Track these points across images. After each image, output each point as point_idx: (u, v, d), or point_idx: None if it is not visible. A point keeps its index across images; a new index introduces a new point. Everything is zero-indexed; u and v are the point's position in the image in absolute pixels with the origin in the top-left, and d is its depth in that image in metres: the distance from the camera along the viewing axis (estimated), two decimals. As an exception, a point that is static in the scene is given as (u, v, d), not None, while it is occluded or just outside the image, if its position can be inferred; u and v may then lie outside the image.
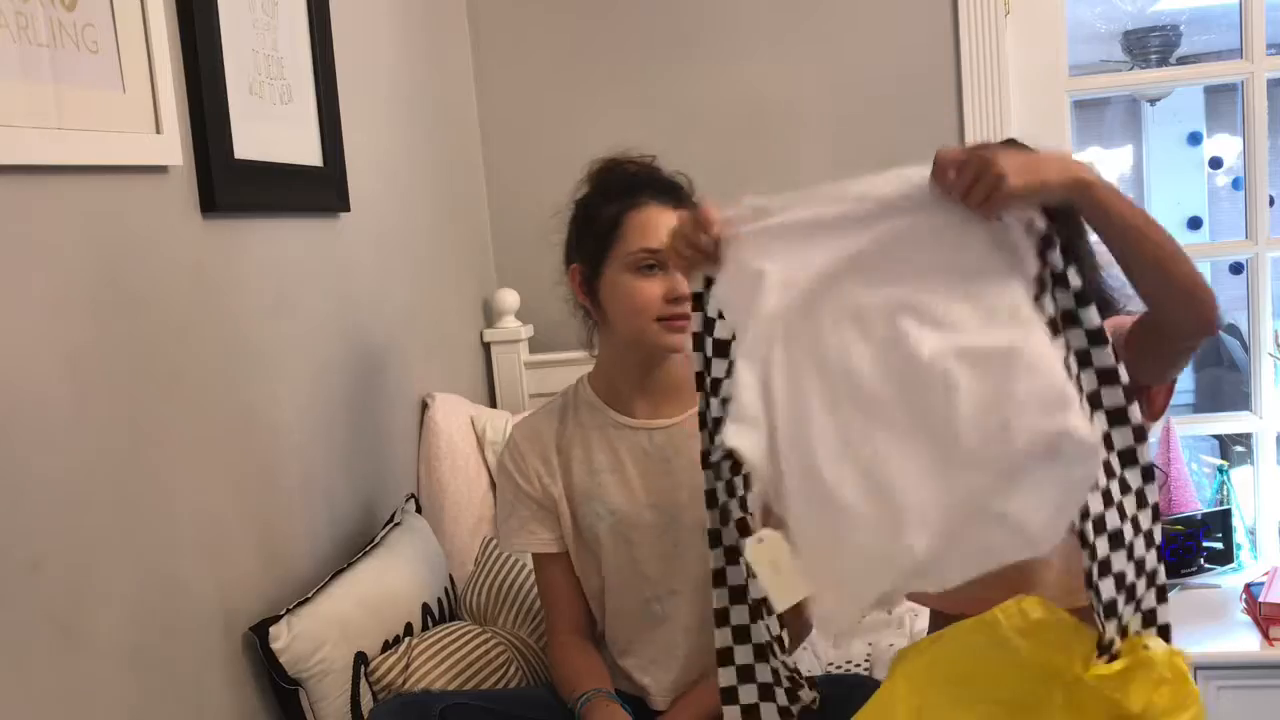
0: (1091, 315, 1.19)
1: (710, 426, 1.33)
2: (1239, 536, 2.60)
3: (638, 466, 1.64)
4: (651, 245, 1.55)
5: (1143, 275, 1.30)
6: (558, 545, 1.68)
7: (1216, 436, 3.56)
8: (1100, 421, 1.18)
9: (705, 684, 1.55)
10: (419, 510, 2.15)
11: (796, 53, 2.62)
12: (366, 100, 2.13)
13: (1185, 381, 5.28)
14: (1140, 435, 1.20)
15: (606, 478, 1.64)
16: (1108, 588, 1.20)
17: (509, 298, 2.64)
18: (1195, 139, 5.63)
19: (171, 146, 1.47)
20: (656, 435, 1.64)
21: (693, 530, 1.57)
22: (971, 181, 1.17)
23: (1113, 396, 1.19)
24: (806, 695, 1.39)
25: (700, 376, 1.33)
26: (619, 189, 1.62)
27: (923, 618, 1.90)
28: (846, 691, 1.46)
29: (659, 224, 1.54)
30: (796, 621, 1.42)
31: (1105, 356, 1.19)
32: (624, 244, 1.58)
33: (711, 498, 1.36)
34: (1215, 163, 5.65)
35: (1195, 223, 5.57)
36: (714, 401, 1.32)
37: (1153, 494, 1.22)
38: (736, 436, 1.16)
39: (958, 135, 2.54)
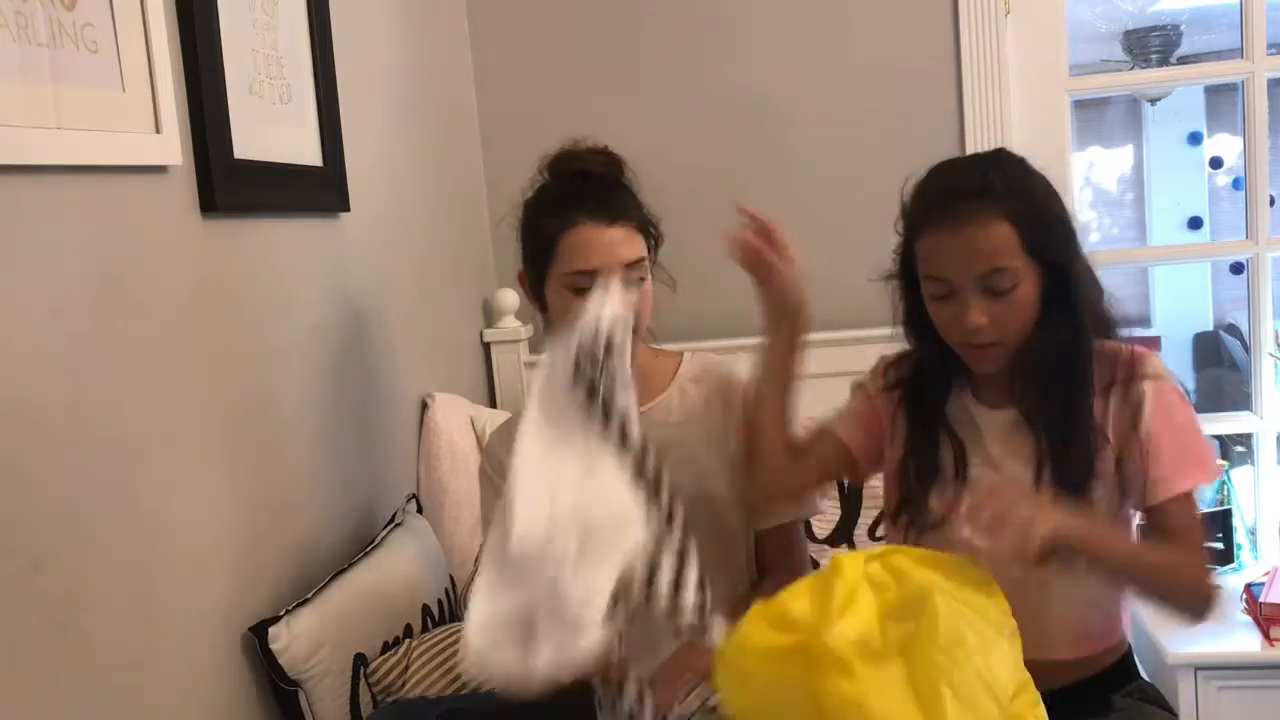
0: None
1: None
2: (1239, 536, 2.59)
3: None
4: (583, 267, 1.52)
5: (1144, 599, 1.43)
6: None
7: (1216, 436, 3.55)
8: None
9: (681, 652, 1.53)
10: (419, 511, 2.15)
11: (796, 53, 2.62)
12: (366, 100, 2.13)
13: (1185, 381, 5.28)
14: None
15: None
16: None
17: (509, 298, 2.64)
18: (1195, 139, 5.63)
19: (171, 146, 1.47)
20: None
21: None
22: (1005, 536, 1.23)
23: None
24: None
25: None
26: (553, 205, 1.58)
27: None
28: None
29: (591, 244, 1.52)
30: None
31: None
32: (559, 264, 1.55)
33: None
34: (1215, 163, 5.65)
35: (1195, 223, 5.58)
36: None
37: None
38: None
39: (958, 135, 2.54)
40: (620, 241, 1.53)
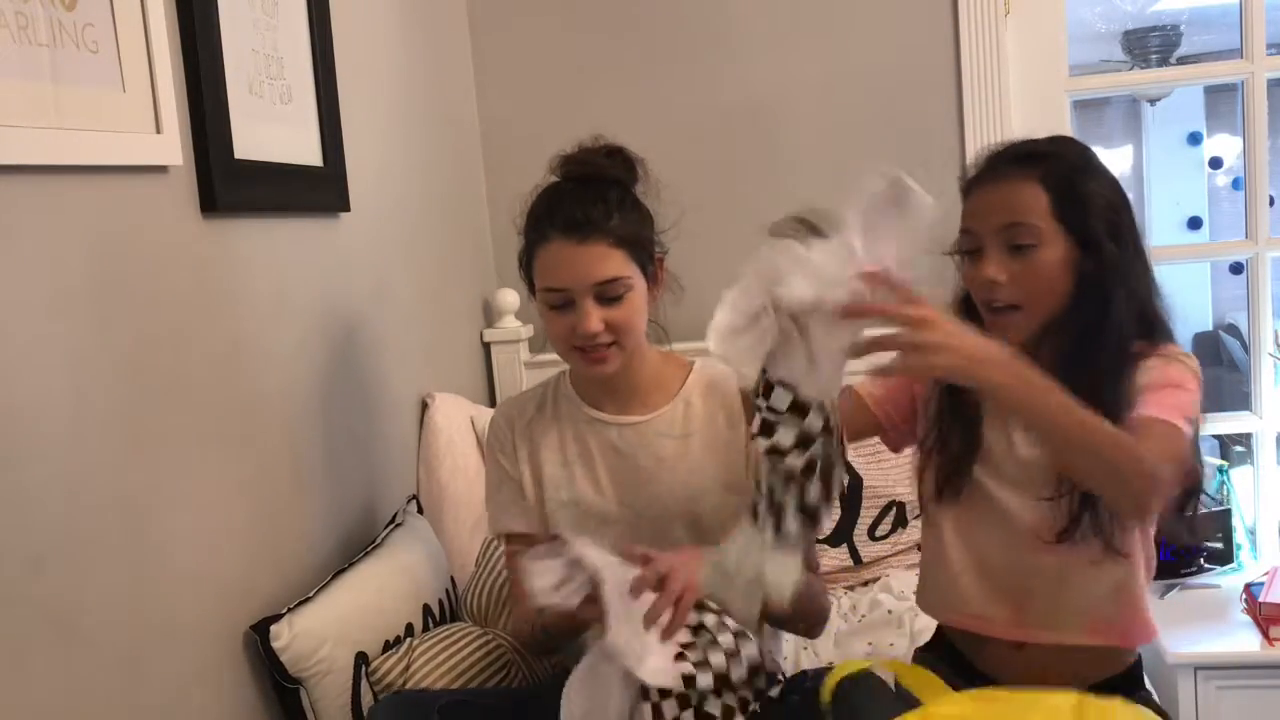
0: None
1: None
2: (1239, 536, 2.60)
3: (606, 461, 1.63)
4: (553, 285, 1.52)
5: (1064, 461, 1.35)
6: (535, 528, 1.66)
7: (1216, 436, 3.55)
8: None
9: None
10: (420, 511, 2.15)
11: (797, 53, 2.62)
12: (366, 100, 2.13)
13: (1185, 381, 5.27)
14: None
15: (576, 469, 1.63)
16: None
17: (509, 298, 2.64)
18: (1195, 139, 5.63)
19: (171, 146, 1.47)
20: (626, 432, 1.63)
21: (656, 526, 1.58)
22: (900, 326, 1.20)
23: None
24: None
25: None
26: (536, 217, 1.56)
27: (923, 618, 1.90)
28: (842, 685, 1.46)
29: (562, 262, 1.50)
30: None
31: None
32: (537, 279, 1.55)
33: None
34: (1215, 163, 5.65)
35: (1195, 223, 5.57)
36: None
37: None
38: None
39: (958, 135, 2.54)
40: (591, 260, 1.50)
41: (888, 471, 2.39)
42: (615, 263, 1.52)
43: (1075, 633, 1.50)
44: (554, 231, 1.51)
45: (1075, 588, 1.49)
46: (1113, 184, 1.47)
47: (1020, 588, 1.52)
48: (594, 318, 1.51)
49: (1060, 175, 1.43)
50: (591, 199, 1.53)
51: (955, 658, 1.61)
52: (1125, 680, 1.55)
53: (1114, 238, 1.44)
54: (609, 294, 1.51)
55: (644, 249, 1.57)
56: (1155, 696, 1.71)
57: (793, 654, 2.05)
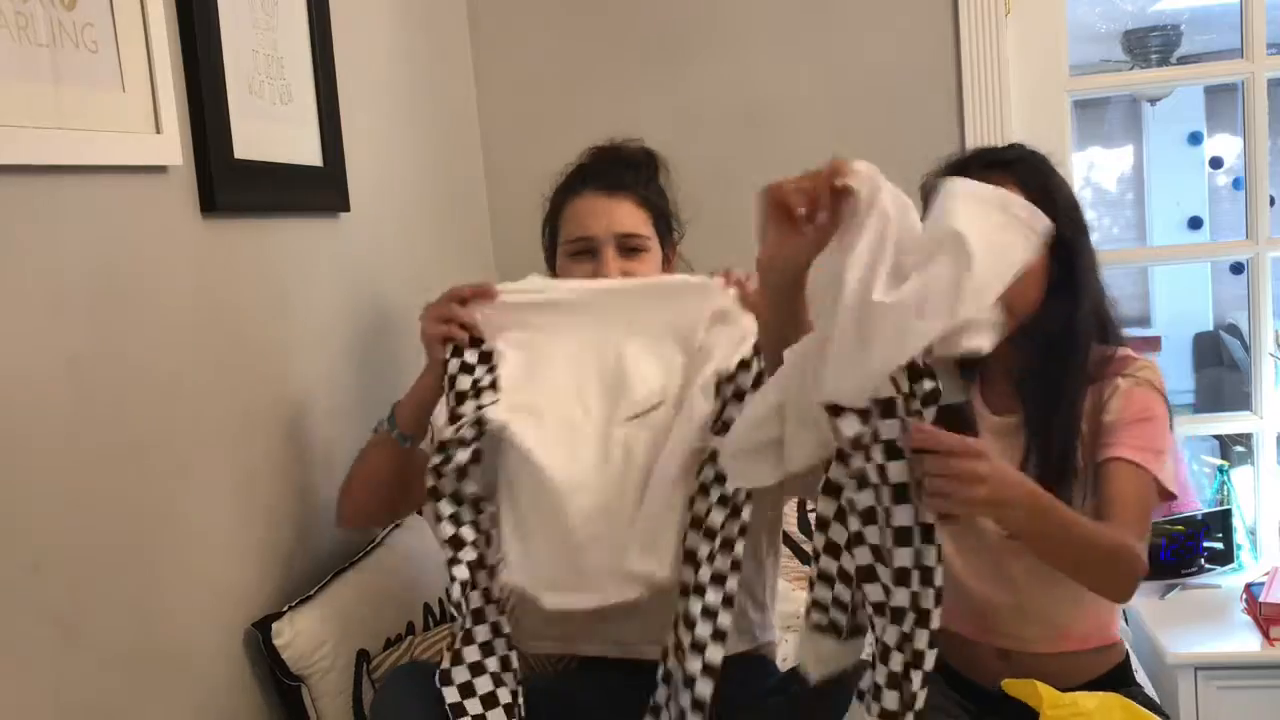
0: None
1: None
2: (1239, 536, 2.60)
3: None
4: (580, 233, 1.60)
5: (1057, 567, 1.39)
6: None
7: (1216, 436, 3.56)
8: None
9: None
10: (419, 511, 2.15)
11: (796, 52, 2.62)
12: (366, 100, 2.13)
13: (1185, 381, 5.29)
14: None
15: None
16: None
17: (509, 298, 2.64)
18: (1195, 139, 5.64)
19: (171, 146, 1.47)
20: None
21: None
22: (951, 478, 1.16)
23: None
24: None
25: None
26: (567, 180, 1.67)
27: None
28: (838, 680, 1.46)
29: (590, 211, 1.60)
30: None
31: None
32: (563, 232, 1.64)
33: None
34: (1215, 163, 5.66)
35: (1195, 223, 5.58)
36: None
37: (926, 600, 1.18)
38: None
39: (958, 135, 2.53)
40: (618, 211, 1.60)
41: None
42: (639, 219, 1.62)
43: (1040, 641, 1.54)
44: (585, 187, 1.64)
45: (1035, 599, 1.53)
46: (1068, 184, 1.55)
47: (986, 599, 1.55)
48: (613, 266, 1.59)
49: (1032, 177, 1.48)
50: (623, 166, 1.66)
51: (950, 673, 1.62)
52: (1111, 679, 1.56)
53: (1077, 236, 1.50)
54: (630, 245, 1.61)
55: (665, 221, 1.67)
56: (1149, 689, 1.72)
57: (793, 654, 2.05)
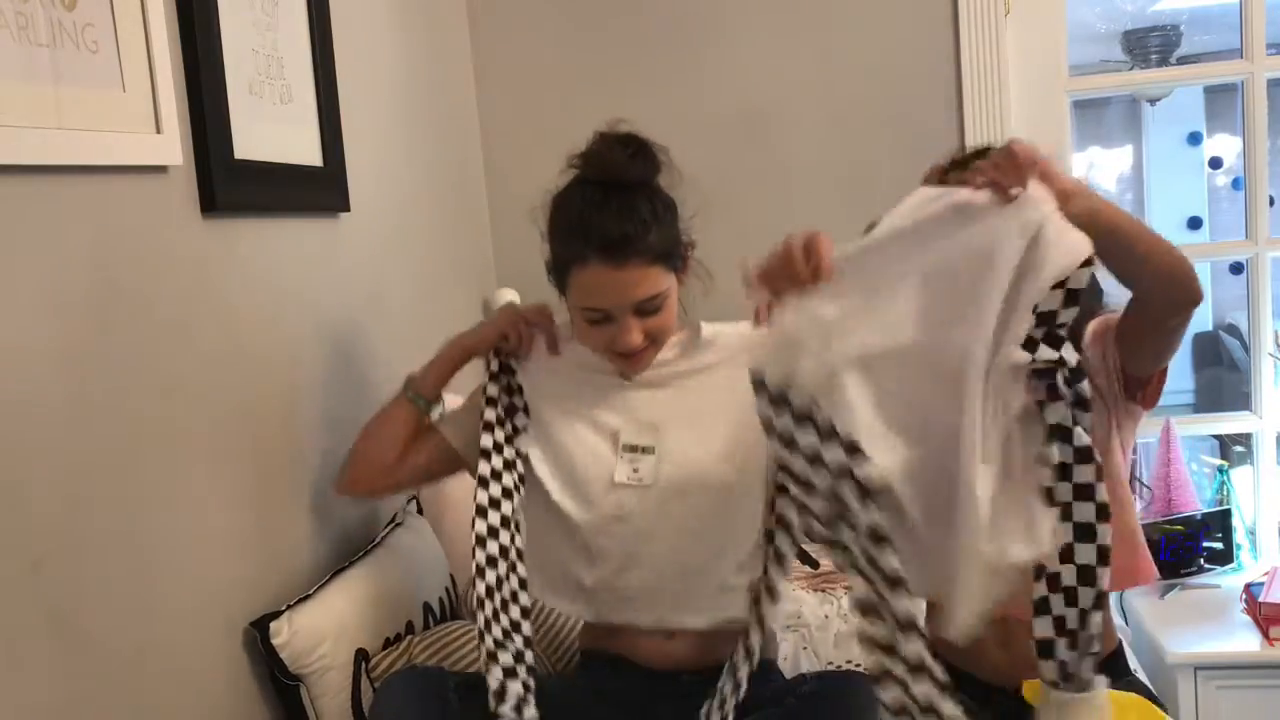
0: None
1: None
2: (1239, 536, 2.60)
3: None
4: (593, 304, 1.54)
5: (1137, 274, 1.38)
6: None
7: (1216, 436, 3.55)
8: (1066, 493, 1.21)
9: None
10: (419, 511, 2.15)
11: (796, 52, 2.62)
12: (366, 100, 2.13)
13: (1185, 381, 5.27)
14: (1103, 514, 1.22)
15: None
16: (1044, 626, 1.27)
17: (508, 298, 2.63)
18: (1195, 139, 5.63)
19: (171, 146, 1.47)
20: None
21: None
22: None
23: (1083, 474, 1.21)
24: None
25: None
26: (569, 230, 1.54)
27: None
28: (840, 687, 1.46)
29: (599, 287, 1.52)
30: None
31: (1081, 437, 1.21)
32: (574, 295, 1.56)
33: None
34: (1215, 163, 5.65)
35: (1195, 223, 5.57)
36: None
37: (1103, 578, 1.24)
38: (882, 455, 1.19)
39: (958, 135, 2.54)
40: (631, 283, 1.51)
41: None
42: (653, 280, 1.53)
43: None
44: (591, 254, 1.50)
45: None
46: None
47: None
48: (635, 332, 1.54)
49: None
50: (624, 213, 1.51)
51: (949, 667, 1.62)
52: (1105, 670, 1.56)
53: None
54: (648, 308, 1.54)
55: (676, 252, 1.57)
56: (1143, 676, 1.72)
57: (793, 654, 2.05)
